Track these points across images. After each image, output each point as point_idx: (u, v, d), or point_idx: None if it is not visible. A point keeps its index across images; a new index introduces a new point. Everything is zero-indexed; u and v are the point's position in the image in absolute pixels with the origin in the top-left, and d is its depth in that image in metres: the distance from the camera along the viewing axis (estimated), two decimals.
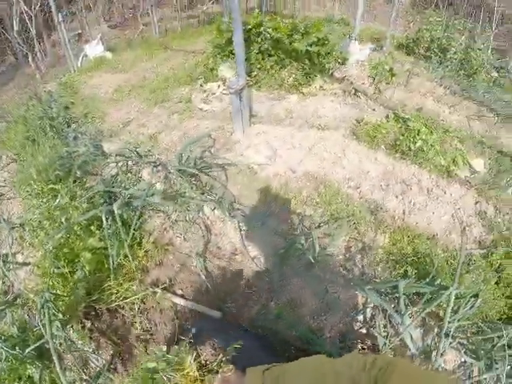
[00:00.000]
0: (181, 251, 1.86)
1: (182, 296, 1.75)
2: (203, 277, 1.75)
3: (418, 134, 2.49)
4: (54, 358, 1.30)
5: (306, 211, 2.13)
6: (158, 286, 1.73)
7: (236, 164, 2.35)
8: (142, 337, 1.66)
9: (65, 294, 1.59)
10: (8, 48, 5.04)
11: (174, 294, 1.74)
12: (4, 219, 2.09)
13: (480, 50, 3.91)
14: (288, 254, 1.86)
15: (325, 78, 3.60)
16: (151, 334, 1.66)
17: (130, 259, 1.69)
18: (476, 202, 2.24)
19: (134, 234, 1.80)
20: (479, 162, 2.54)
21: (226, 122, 2.78)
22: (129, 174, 2.07)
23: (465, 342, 1.48)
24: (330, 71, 3.62)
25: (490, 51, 4.15)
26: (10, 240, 2.04)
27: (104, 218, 1.65)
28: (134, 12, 6.51)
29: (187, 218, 1.94)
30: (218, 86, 3.30)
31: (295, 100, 3.45)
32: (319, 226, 2.02)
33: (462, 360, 1.50)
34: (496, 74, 4.08)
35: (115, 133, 2.63)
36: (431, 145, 2.45)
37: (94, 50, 4.62)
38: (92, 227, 1.70)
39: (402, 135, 2.55)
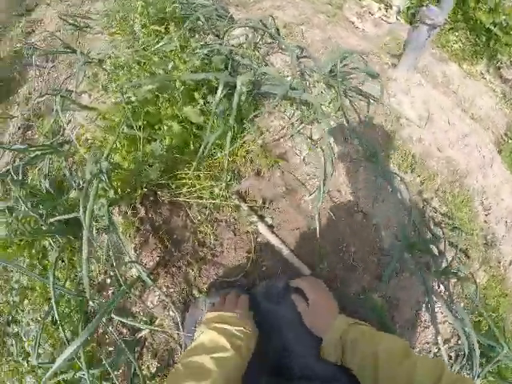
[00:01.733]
0: (294, 173, 1.26)
1: (271, 228, 1.20)
2: (313, 221, 1.18)
3: None
4: (84, 239, 0.79)
5: (433, 201, 1.54)
6: (246, 202, 1.20)
7: (384, 104, 1.65)
8: (200, 253, 1.15)
9: (126, 165, 1.08)
10: None
11: (263, 221, 1.20)
12: (81, 51, 1.56)
13: None
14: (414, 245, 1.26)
15: (491, 67, 2.79)
16: (212, 256, 1.16)
17: (226, 154, 1.13)
18: None
19: (244, 125, 1.21)
20: None
21: (380, 51, 2.04)
22: (256, 52, 1.43)
23: None
24: (498, 64, 2.82)
25: None
26: (80, 76, 1.54)
27: (220, 88, 1.06)
28: None
29: (312, 136, 1.33)
30: (379, 9, 2.47)
31: (455, 70, 2.64)
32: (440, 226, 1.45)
33: None
34: None
35: (243, 4, 1.97)
36: None
37: None
38: (196, 94, 1.12)
39: None
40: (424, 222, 1.42)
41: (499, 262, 1.62)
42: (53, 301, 1.02)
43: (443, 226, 1.47)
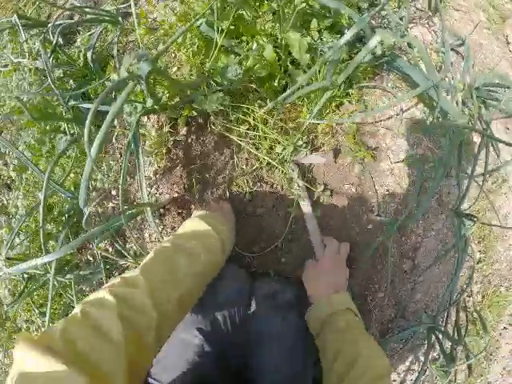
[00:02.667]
0: (375, 179, 0.96)
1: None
2: (367, 249, 0.90)
3: None
4: (100, 135, 0.56)
5: (475, 286, 1.16)
6: (304, 179, 0.93)
7: None
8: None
9: (187, 72, 0.80)
10: None
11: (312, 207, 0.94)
12: None
13: None
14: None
15: None
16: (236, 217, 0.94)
17: (313, 113, 0.84)
18: None
19: (350, 89, 0.90)
20: None
21: None
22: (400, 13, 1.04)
23: None
24: None
25: None
26: None
27: (352, 31, 0.73)
28: None
29: (416, 149, 0.99)
30: None
31: None
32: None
33: None
34: None
35: None
36: None
37: None
38: (314, 21, 0.79)
39: None
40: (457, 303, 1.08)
41: None
42: (43, 193, 0.83)
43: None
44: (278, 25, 0.79)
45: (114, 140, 0.96)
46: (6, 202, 1.18)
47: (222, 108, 0.81)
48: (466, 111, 1.06)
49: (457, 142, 0.92)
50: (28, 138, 1.03)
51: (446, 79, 1.06)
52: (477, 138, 1.10)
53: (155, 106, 0.74)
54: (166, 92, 0.75)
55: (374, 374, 0.60)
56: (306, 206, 0.92)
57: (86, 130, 0.53)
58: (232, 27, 0.79)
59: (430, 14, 1.17)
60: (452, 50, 1.16)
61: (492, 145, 1.08)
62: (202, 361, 0.74)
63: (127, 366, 0.44)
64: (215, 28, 0.76)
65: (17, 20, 1.04)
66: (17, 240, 1.00)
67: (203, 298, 0.78)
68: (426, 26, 1.20)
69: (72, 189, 0.94)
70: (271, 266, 0.96)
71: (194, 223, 0.76)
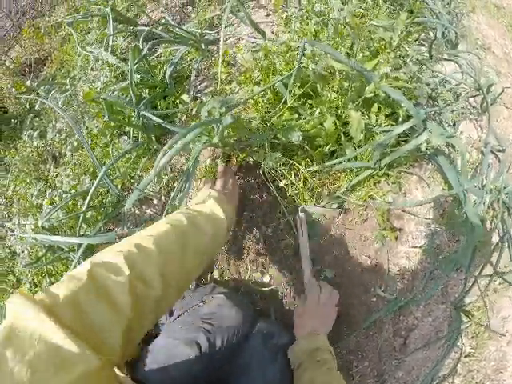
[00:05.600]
0: (391, 258, 1.02)
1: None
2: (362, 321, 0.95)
3: None
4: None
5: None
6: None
7: None
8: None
9: (254, 125, 0.89)
10: None
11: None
12: None
13: None
14: None
15: None
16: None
17: (348, 185, 0.92)
18: None
19: (389, 171, 0.97)
20: None
21: None
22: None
23: None
24: None
25: None
26: None
27: (407, 125, 0.80)
28: None
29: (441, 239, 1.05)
30: None
31: None
32: None
33: None
34: None
35: None
36: None
37: None
38: (375, 106, 0.87)
39: None
40: None
41: None
42: (95, 184, 0.91)
43: None
44: (342, 100, 0.88)
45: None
46: (50, 173, 1.28)
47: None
48: (491, 213, 1.13)
49: (473, 244, 0.98)
50: (91, 125, 1.12)
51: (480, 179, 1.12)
52: (495, 239, 1.15)
53: (218, 143, 0.82)
54: (231, 132, 0.84)
55: None
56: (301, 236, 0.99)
57: (159, 156, 0.61)
58: (302, 92, 0.88)
59: (480, 111, 1.25)
60: (492, 152, 1.24)
61: (508, 247, 1.14)
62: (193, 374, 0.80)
63: (125, 333, 0.45)
64: (288, 89, 0.85)
65: (109, 12, 1.14)
66: (54, 214, 1.08)
67: (211, 318, 0.85)
68: (474, 121, 1.27)
69: (119, 186, 1.03)
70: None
71: (212, 206, 0.76)
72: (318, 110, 0.89)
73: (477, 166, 1.17)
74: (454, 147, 1.06)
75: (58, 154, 1.36)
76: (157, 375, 0.81)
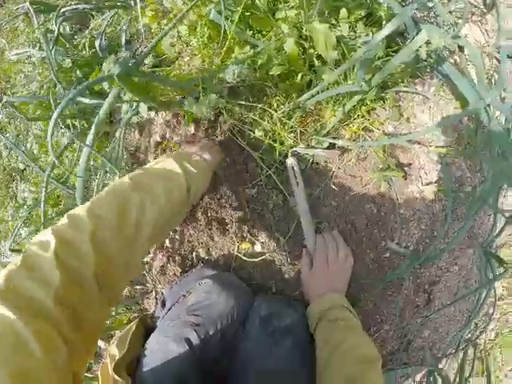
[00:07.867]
0: (403, 201, 0.84)
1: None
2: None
3: None
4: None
5: None
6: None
7: None
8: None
9: (200, 63, 0.71)
10: None
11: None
12: None
13: None
14: None
15: None
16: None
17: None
18: None
19: (384, 94, 0.77)
20: None
21: None
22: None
23: None
24: None
25: None
26: None
27: (393, 25, 0.58)
28: None
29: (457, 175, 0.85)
30: None
31: None
32: None
33: None
34: None
35: None
36: None
37: None
38: (344, 10, 0.65)
39: None
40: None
41: None
42: (42, 192, 0.79)
43: None
44: (300, 12, 0.66)
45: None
46: (16, 192, 1.18)
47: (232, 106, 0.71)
48: None
49: (503, 175, 0.77)
50: (36, 130, 1.00)
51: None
52: None
53: (152, 104, 0.66)
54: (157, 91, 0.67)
55: (359, 357, 0.60)
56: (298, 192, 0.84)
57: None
58: (247, 14, 0.68)
59: (485, 10, 0.97)
60: (508, 57, 0.97)
61: None
62: (186, 372, 0.70)
63: (67, 312, 0.44)
64: (225, 15, 0.65)
65: (29, 6, 0.97)
66: (25, 230, 0.99)
67: (197, 308, 0.74)
68: (478, 23, 1.00)
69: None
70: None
71: (164, 162, 0.67)
72: (273, 36, 0.69)
73: (491, 78, 0.91)
74: (461, 50, 0.81)
75: (23, 168, 1.26)
76: (152, 376, 0.72)
